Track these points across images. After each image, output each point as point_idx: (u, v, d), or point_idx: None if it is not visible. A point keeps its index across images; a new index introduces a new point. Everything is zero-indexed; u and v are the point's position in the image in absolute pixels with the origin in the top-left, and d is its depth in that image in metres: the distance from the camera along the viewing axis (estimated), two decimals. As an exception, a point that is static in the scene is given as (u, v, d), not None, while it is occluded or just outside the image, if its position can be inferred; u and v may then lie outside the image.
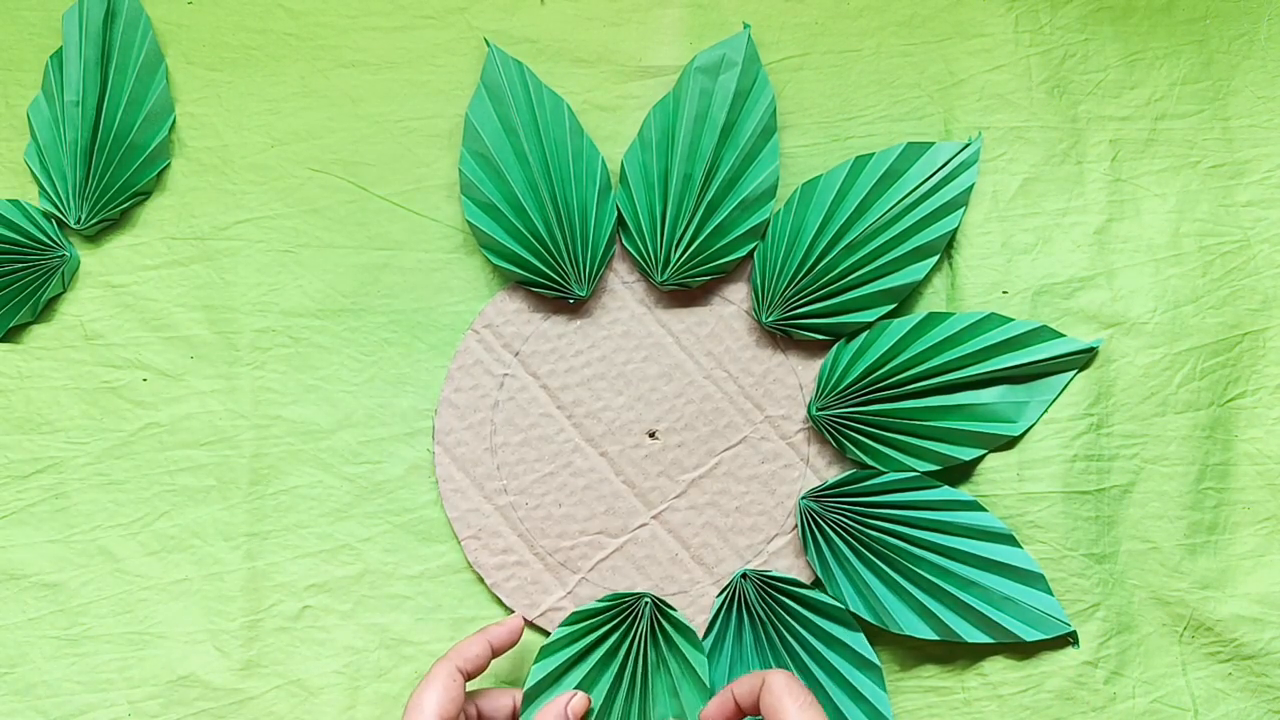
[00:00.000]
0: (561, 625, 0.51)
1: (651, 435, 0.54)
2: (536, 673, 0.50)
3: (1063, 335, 0.53)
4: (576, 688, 0.50)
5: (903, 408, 0.52)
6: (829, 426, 0.52)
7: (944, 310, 0.53)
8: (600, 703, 0.50)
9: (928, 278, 0.54)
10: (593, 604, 0.51)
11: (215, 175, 0.54)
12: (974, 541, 0.51)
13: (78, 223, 0.53)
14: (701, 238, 0.53)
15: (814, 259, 0.52)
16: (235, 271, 0.54)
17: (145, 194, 0.54)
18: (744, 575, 0.52)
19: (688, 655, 0.50)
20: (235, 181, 0.54)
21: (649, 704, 0.50)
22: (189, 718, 0.51)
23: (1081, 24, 0.56)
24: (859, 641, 0.50)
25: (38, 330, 0.54)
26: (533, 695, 0.50)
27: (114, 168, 0.53)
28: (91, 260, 0.54)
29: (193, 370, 0.53)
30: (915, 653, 0.52)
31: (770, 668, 0.51)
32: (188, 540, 0.53)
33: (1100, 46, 0.56)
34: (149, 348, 0.54)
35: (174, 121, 0.55)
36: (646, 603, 0.51)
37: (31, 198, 0.54)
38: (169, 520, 0.53)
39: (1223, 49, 0.56)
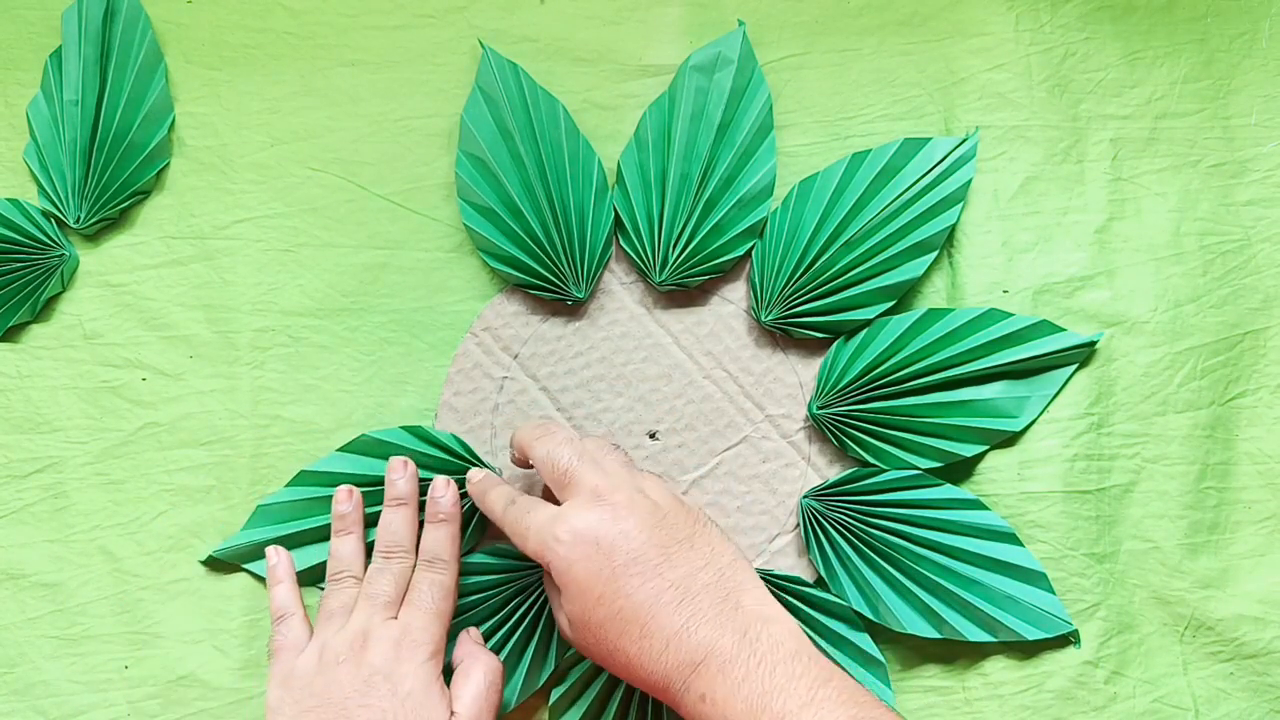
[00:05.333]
0: None
1: (652, 436, 0.54)
2: (560, 688, 0.50)
3: (1063, 329, 0.52)
4: (598, 695, 0.50)
5: (903, 405, 0.51)
6: (830, 425, 0.52)
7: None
8: (619, 705, 0.50)
9: (928, 276, 0.54)
10: None
11: (214, 174, 0.54)
12: (976, 540, 0.51)
13: (77, 222, 0.53)
14: (699, 237, 0.53)
15: (812, 257, 0.52)
16: (235, 271, 0.54)
17: (144, 193, 0.54)
18: (744, 575, 0.51)
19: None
20: (235, 181, 0.54)
21: (663, 704, 0.50)
22: (188, 717, 0.51)
23: (1082, 23, 0.56)
24: (863, 639, 0.50)
25: (37, 330, 0.54)
26: (560, 709, 0.50)
27: (113, 167, 0.53)
28: (91, 259, 0.54)
29: (192, 370, 0.53)
30: (916, 652, 0.52)
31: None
32: (187, 540, 0.52)
33: (1101, 45, 0.56)
34: (148, 347, 0.53)
35: (173, 120, 0.55)
36: None
37: (31, 197, 0.54)
38: (168, 520, 0.53)
39: (1223, 48, 0.56)
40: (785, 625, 0.42)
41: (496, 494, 0.47)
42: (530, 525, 0.43)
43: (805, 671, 0.39)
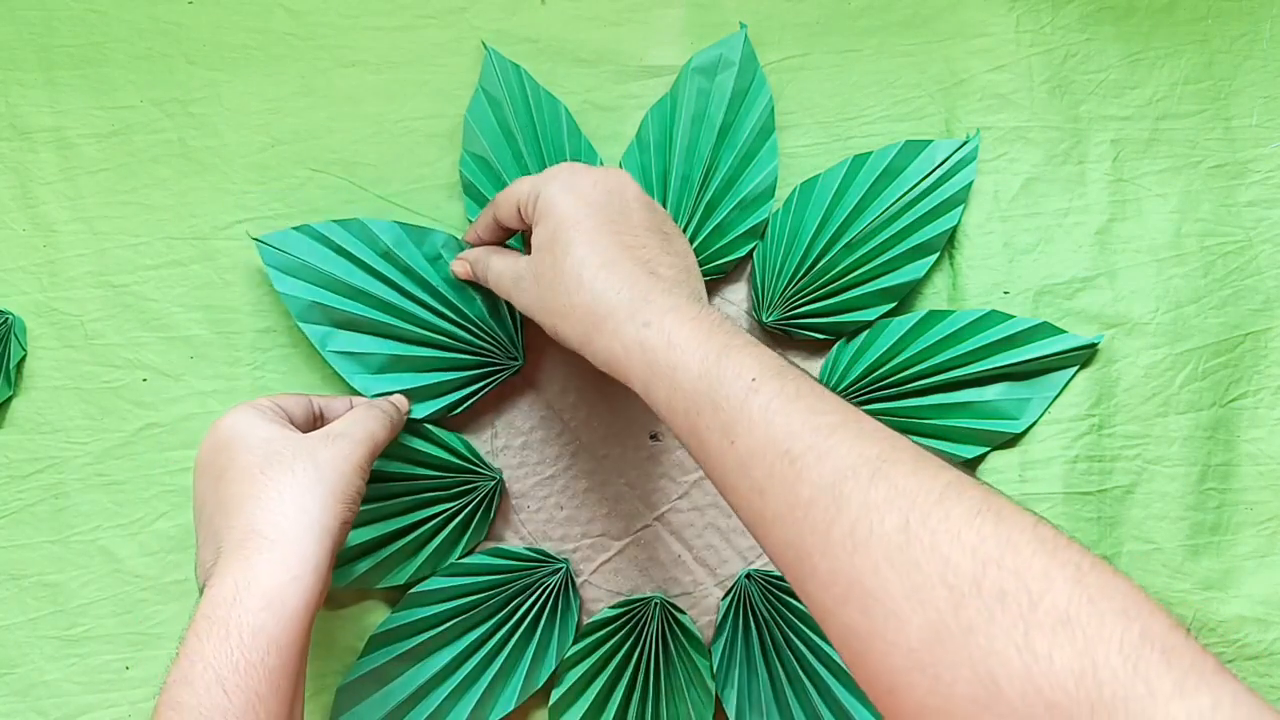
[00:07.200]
0: (576, 638, 0.51)
1: (653, 437, 0.54)
2: (559, 688, 0.50)
3: (1064, 331, 0.52)
4: (596, 696, 0.50)
5: (904, 406, 0.51)
6: (830, 427, 0.52)
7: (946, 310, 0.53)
8: (618, 705, 0.50)
9: (929, 277, 0.54)
10: (604, 612, 0.51)
11: (215, 175, 0.54)
12: (976, 542, 0.51)
13: None
14: (700, 238, 0.52)
15: (813, 258, 0.52)
16: (235, 271, 0.54)
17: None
18: (748, 576, 0.51)
19: (695, 659, 0.50)
20: (235, 181, 0.54)
21: (661, 704, 0.50)
22: (189, 719, 0.51)
23: (1083, 24, 0.56)
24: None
25: (37, 329, 0.53)
26: (560, 710, 0.50)
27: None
28: (91, 259, 0.54)
29: (193, 370, 0.53)
30: (917, 654, 0.52)
31: (775, 668, 0.50)
32: (188, 540, 0.52)
33: (1102, 46, 0.56)
34: (149, 348, 0.53)
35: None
36: (656, 604, 0.51)
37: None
38: (169, 520, 0.53)
39: (1224, 49, 0.56)
40: None
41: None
42: (528, 179, 0.45)
43: (752, 338, 0.38)
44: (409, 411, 0.50)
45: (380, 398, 0.49)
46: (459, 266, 0.50)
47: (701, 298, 0.41)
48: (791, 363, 0.37)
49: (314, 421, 0.47)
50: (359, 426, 0.44)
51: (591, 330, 0.40)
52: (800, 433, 0.33)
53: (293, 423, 0.44)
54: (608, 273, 0.40)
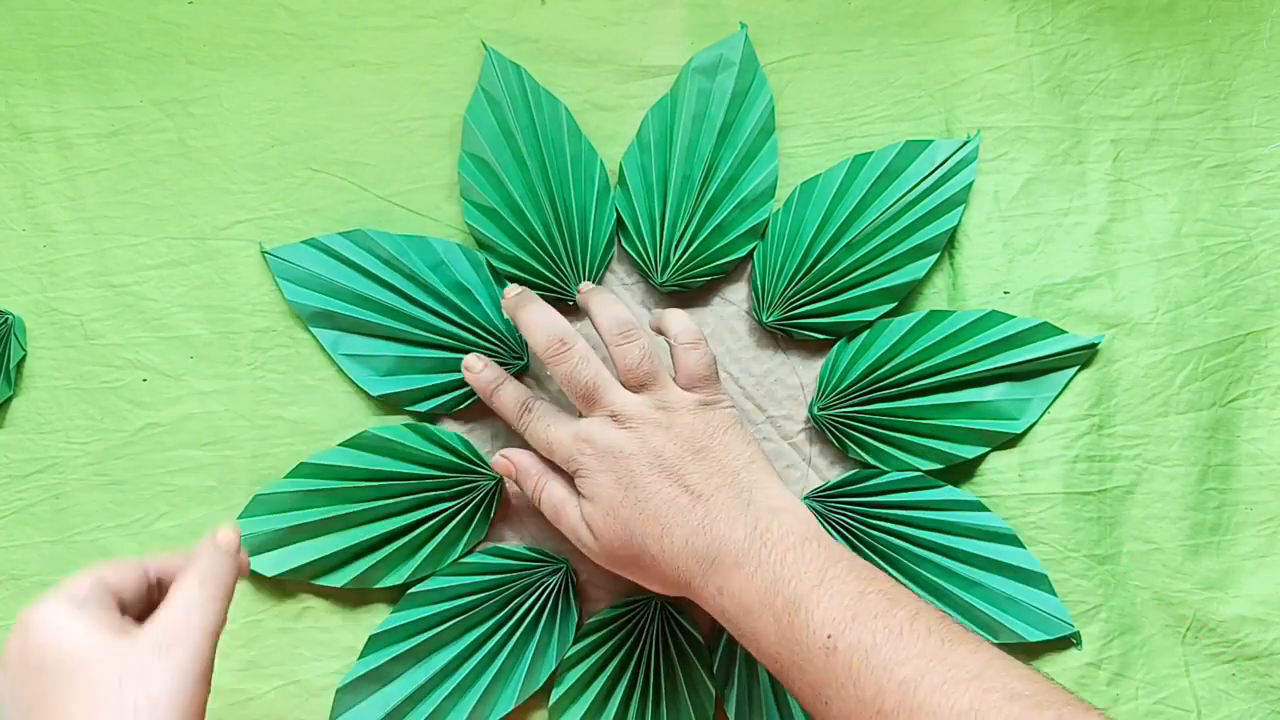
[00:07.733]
0: (577, 638, 0.51)
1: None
2: (559, 688, 0.50)
3: (1064, 331, 0.52)
4: (596, 696, 0.50)
5: (904, 406, 0.51)
6: (831, 426, 0.52)
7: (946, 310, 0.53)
8: (618, 706, 0.50)
9: (929, 277, 0.54)
10: (604, 612, 0.51)
11: (215, 175, 0.54)
12: (977, 542, 0.51)
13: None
14: (701, 238, 0.52)
15: (814, 258, 0.52)
16: (235, 272, 0.54)
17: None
18: (745, 576, 0.51)
19: (695, 659, 0.50)
20: (235, 181, 0.54)
21: (661, 704, 0.50)
22: (189, 719, 0.51)
23: (1083, 24, 0.56)
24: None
25: (37, 329, 0.53)
26: (560, 710, 0.50)
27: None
28: (91, 259, 0.54)
29: (193, 370, 0.53)
30: (917, 654, 0.52)
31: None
32: (188, 541, 0.52)
33: (1102, 46, 0.56)
34: (149, 348, 0.53)
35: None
36: (656, 604, 0.51)
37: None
38: (169, 521, 0.53)
39: (1224, 49, 0.56)
40: (795, 514, 0.43)
41: (509, 394, 0.49)
42: (554, 438, 0.47)
43: (815, 556, 0.40)
44: (239, 547, 0.41)
45: (205, 544, 0.39)
46: (502, 464, 0.49)
47: (754, 517, 0.42)
48: (853, 555, 0.41)
49: (149, 593, 0.39)
50: (194, 624, 0.36)
51: (677, 591, 0.44)
52: (888, 689, 0.36)
53: (123, 603, 0.37)
54: (669, 541, 0.43)
